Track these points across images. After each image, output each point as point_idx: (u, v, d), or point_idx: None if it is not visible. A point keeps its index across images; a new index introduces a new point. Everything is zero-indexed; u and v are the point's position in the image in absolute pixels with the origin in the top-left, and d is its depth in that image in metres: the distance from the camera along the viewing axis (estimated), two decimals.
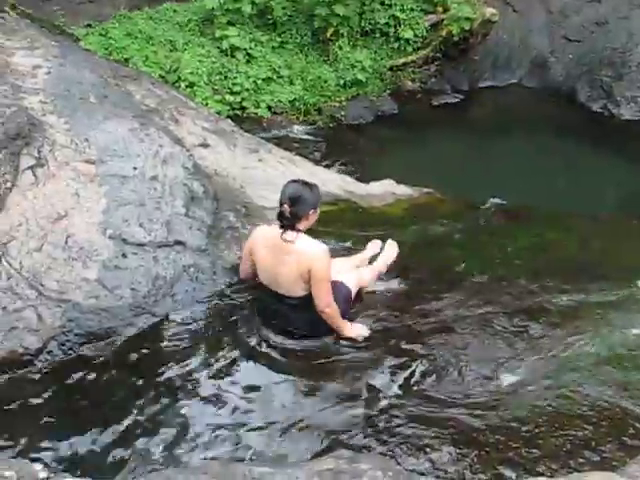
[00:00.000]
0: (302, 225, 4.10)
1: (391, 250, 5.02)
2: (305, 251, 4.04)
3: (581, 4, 11.71)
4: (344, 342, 4.24)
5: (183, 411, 3.71)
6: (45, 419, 3.66)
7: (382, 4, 11.31)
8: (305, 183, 4.19)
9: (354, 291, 4.53)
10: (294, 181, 4.23)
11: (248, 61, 10.54)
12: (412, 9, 11.35)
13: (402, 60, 11.43)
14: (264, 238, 4.21)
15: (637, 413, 3.55)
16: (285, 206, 4.01)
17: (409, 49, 11.45)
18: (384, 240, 5.17)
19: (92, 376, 3.95)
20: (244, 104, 10.19)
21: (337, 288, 4.29)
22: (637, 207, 8.42)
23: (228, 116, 9.22)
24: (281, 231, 4.06)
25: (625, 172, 9.64)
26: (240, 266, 4.56)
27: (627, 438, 3.39)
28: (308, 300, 4.13)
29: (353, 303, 4.51)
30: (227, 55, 10.50)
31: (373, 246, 5.14)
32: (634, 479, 2.59)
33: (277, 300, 4.23)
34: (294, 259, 4.04)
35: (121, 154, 4.97)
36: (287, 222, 4.04)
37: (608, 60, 11.16)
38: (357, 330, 4.30)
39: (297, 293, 4.15)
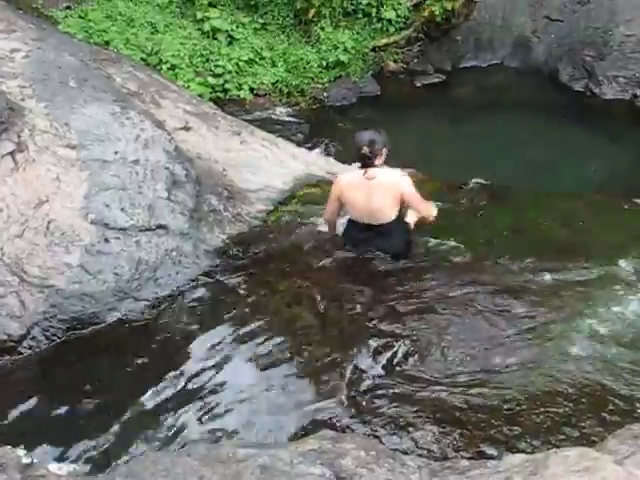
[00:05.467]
0: (378, 161, 4.76)
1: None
2: (390, 180, 4.77)
3: None
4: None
5: (168, 393, 3.72)
6: (29, 405, 3.67)
7: None
8: (374, 129, 4.85)
9: None
10: (364, 129, 4.88)
11: (230, 43, 10.46)
12: None
13: (384, 41, 11.35)
14: (350, 184, 4.85)
15: (616, 390, 3.59)
16: (365, 148, 4.66)
17: (391, 29, 11.37)
18: None
19: (76, 361, 3.96)
20: (226, 86, 10.11)
21: None
22: (619, 186, 8.46)
23: (210, 99, 9.17)
24: (363, 172, 4.71)
25: (607, 151, 9.66)
26: (327, 208, 5.05)
27: (606, 414, 3.44)
28: (394, 223, 4.86)
29: None
30: (209, 37, 10.40)
31: None
32: (612, 454, 2.62)
33: (367, 230, 4.91)
34: (384, 190, 4.74)
35: (102, 138, 4.95)
36: (368, 160, 4.69)
37: (590, 40, 11.12)
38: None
39: (390, 218, 4.85)
